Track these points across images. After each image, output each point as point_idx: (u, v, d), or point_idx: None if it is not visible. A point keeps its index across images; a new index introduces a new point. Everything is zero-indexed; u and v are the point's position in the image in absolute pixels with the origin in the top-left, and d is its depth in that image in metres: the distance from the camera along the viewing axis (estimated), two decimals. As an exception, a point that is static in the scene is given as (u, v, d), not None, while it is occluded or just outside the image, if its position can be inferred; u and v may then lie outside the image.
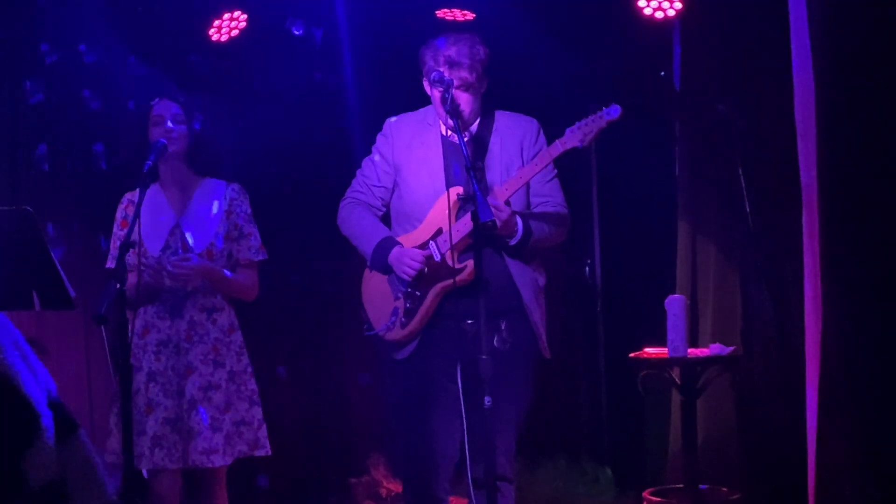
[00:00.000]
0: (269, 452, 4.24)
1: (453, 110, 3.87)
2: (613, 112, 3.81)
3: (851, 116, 3.83)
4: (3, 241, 4.16)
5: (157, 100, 4.23)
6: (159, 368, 4.09)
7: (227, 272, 4.19)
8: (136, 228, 3.71)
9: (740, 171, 5.24)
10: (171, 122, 4.16)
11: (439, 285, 3.97)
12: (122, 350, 3.68)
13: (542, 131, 4.10)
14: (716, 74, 5.43)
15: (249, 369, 4.22)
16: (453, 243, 3.90)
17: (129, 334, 3.71)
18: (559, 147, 3.88)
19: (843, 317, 3.85)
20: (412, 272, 3.96)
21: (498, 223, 3.72)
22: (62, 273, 4.17)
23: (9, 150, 5.29)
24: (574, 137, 3.85)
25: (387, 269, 4.07)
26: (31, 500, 1.40)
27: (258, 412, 4.20)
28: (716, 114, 5.39)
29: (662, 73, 5.87)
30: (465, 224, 3.86)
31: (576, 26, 5.80)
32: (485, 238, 3.73)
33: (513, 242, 3.94)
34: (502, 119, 4.13)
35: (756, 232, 5.18)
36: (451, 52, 3.95)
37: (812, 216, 4.04)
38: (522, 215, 3.97)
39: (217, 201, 4.25)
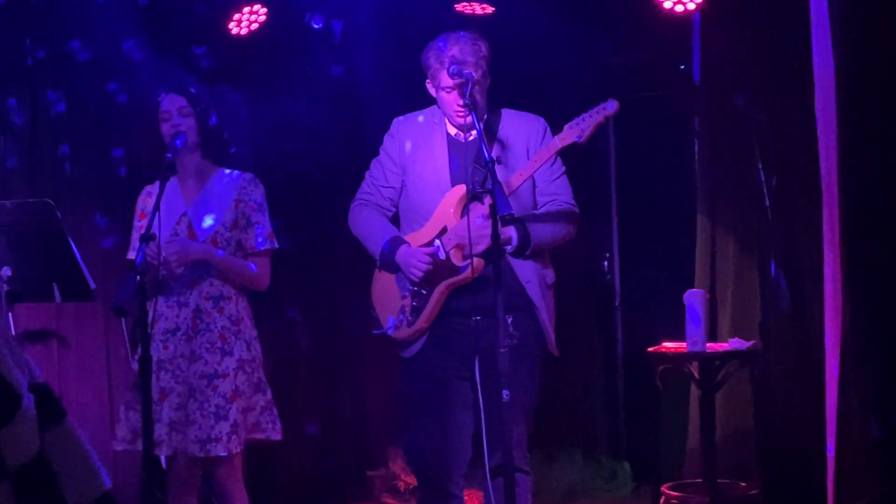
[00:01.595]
0: (275, 437, 4.24)
1: (472, 104, 3.87)
2: (610, 107, 3.81)
3: (871, 109, 3.82)
4: (23, 234, 4.20)
5: (162, 95, 4.23)
6: (167, 356, 4.11)
7: (220, 252, 4.17)
8: (157, 221, 3.73)
9: (760, 165, 5.22)
10: (178, 115, 4.17)
11: (444, 283, 3.98)
12: (143, 341, 3.70)
13: (548, 130, 4.09)
14: (735, 68, 5.41)
15: (259, 358, 4.22)
16: (458, 240, 3.92)
17: (149, 326, 3.74)
18: (557, 143, 3.89)
19: (862, 312, 3.85)
20: (420, 273, 3.98)
21: (500, 224, 3.70)
22: (82, 265, 4.20)
23: (29, 147, 5.32)
24: (572, 133, 3.85)
25: (394, 269, 4.08)
26: (10, 479, 1.42)
27: (262, 399, 4.20)
28: (735, 107, 5.38)
29: (682, 67, 5.86)
30: (470, 221, 3.87)
31: (595, 20, 5.79)
32: (497, 235, 3.75)
33: (509, 250, 3.95)
34: (509, 117, 4.13)
35: (775, 226, 5.16)
36: (455, 51, 3.96)
37: (832, 210, 4.03)
38: (522, 220, 3.94)
39: (227, 190, 4.26)
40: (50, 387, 1.56)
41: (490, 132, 4.07)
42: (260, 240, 4.25)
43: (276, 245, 4.30)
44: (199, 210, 4.22)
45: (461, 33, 4.02)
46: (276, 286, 4.45)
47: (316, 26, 5.72)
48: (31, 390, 1.47)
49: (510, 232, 3.90)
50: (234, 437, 4.08)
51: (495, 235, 3.66)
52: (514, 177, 3.92)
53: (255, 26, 5.62)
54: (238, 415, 4.10)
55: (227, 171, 4.31)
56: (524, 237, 3.93)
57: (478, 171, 3.95)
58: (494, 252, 3.67)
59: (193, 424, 4.05)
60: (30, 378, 1.49)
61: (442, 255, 3.98)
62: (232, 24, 5.60)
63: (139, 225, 4.25)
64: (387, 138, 4.22)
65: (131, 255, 4.27)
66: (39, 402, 1.48)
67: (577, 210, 4.12)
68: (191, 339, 4.12)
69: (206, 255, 4.14)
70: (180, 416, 4.06)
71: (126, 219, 4.51)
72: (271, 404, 4.24)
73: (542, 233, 3.99)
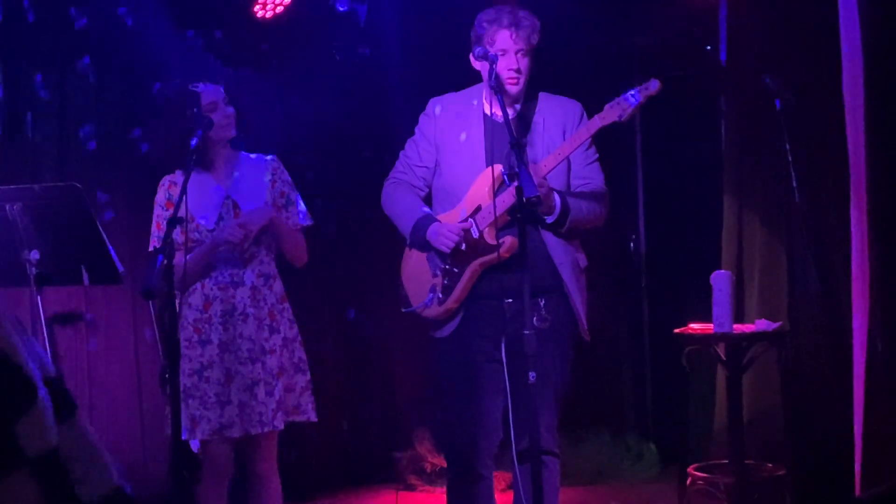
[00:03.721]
0: (313, 419, 4.26)
1: (497, 86, 3.86)
2: (653, 86, 3.78)
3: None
4: (52, 218, 4.22)
5: (201, 85, 4.16)
6: (229, 338, 4.11)
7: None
8: (184, 206, 3.73)
9: (787, 146, 5.19)
10: (224, 105, 4.16)
11: (477, 262, 3.96)
12: (170, 325, 3.71)
13: (585, 114, 4.07)
14: (763, 48, 5.38)
15: (299, 338, 4.25)
16: (492, 219, 3.90)
17: (177, 309, 3.75)
18: (598, 122, 3.86)
19: (890, 291, 3.83)
20: (450, 244, 3.96)
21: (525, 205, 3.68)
22: (110, 248, 4.22)
23: (57, 129, 5.35)
24: (613, 112, 3.82)
25: (426, 247, 4.07)
26: (28, 467, 1.46)
27: (302, 379, 4.22)
28: (762, 88, 5.35)
29: (708, 48, 5.83)
30: (505, 201, 3.85)
31: (622, 0, 5.77)
32: (525, 216, 3.71)
33: (550, 220, 3.93)
34: (546, 100, 4.11)
35: (803, 206, 5.13)
36: (494, 36, 3.94)
37: (860, 190, 4.01)
38: (561, 193, 3.95)
39: (259, 172, 4.27)
40: (63, 381, 1.58)
41: (526, 115, 4.05)
42: (301, 217, 4.28)
43: (312, 222, 4.33)
44: (241, 192, 4.22)
45: (508, 18, 3.96)
46: (306, 268, 4.45)
47: (341, 9, 5.73)
48: (45, 384, 1.49)
49: (554, 199, 3.88)
50: (280, 413, 4.11)
51: (523, 218, 3.64)
52: (549, 158, 3.90)
53: (280, 9, 5.63)
54: (283, 392, 4.13)
55: (250, 154, 4.32)
56: (565, 207, 3.92)
57: (513, 151, 3.93)
58: (521, 233, 3.66)
59: (250, 402, 4.09)
60: (43, 371, 1.51)
61: (475, 234, 3.97)
62: (257, 7, 5.61)
63: (165, 215, 4.14)
64: (422, 118, 4.21)
65: (156, 245, 4.23)
66: (53, 396, 1.50)
67: (608, 195, 4.11)
68: (248, 317, 4.14)
69: (270, 216, 4.15)
70: (247, 396, 4.09)
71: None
72: (310, 385, 4.25)
73: (580, 208, 3.98)
